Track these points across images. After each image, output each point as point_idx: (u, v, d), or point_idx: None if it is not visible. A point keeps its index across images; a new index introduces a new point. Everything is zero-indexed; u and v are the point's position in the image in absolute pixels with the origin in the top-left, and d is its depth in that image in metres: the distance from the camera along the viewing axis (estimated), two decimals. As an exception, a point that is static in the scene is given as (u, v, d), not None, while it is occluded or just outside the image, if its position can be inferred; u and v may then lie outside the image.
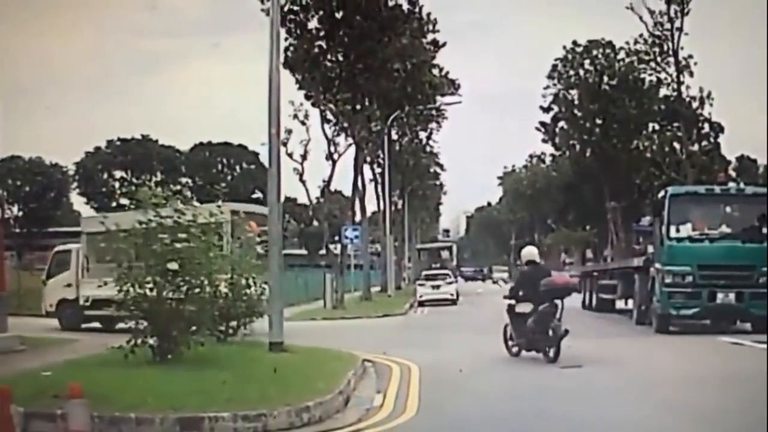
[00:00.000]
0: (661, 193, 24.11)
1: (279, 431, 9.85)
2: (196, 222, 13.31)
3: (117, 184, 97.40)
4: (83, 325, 24.60)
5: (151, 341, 12.97)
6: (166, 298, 12.74)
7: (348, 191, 50.28)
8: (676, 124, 57.89)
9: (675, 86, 54.96)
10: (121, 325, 16.45)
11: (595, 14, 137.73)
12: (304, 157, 39.49)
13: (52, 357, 14.89)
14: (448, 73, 58.30)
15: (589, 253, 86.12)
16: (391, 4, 42.32)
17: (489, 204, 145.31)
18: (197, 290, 13.06)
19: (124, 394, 10.13)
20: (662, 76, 56.36)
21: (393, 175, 57.20)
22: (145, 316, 12.79)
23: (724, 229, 22.51)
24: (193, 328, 13.29)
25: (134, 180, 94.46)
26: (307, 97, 41.79)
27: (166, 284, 12.75)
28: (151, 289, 12.73)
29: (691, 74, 54.68)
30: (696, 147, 60.95)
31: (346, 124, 43.72)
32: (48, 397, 9.81)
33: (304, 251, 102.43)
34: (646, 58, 56.73)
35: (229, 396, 10.39)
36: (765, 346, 16.98)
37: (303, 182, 40.40)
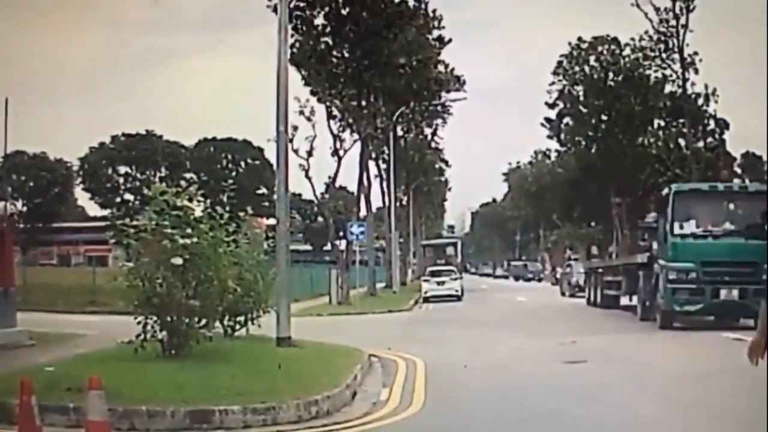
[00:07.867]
0: (665, 190, 24.21)
1: (288, 424, 9.99)
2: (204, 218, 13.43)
3: (121, 180, 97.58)
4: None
5: (160, 336, 13.10)
6: (176, 294, 12.85)
7: (353, 187, 50.47)
8: (681, 121, 57.88)
9: (680, 83, 55.05)
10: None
11: (600, 11, 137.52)
12: (309, 153, 39.60)
13: (62, 352, 14.97)
14: (453, 69, 58.63)
15: (594, 250, 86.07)
16: (396, 0, 42.38)
17: (494, 200, 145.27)
18: (206, 285, 13.18)
19: (135, 388, 10.24)
20: (667, 72, 56.45)
21: (398, 171, 57.34)
22: (155, 311, 12.91)
23: (728, 226, 22.62)
24: (202, 322, 13.43)
25: (138, 175, 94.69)
26: (313, 94, 41.87)
27: (176, 279, 12.87)
28: (160, 285, 12.85)
29: (696, 71, 54.80)
30: (701, 144, 61.04)
31: (351, 121, 43.79)
32: (61, 390, 9.95)
33: (309, 247, 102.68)
34: (652, 54, 56.70)
35: (238, 389, 10.52)
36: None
37: (309, 178, 40.49)
